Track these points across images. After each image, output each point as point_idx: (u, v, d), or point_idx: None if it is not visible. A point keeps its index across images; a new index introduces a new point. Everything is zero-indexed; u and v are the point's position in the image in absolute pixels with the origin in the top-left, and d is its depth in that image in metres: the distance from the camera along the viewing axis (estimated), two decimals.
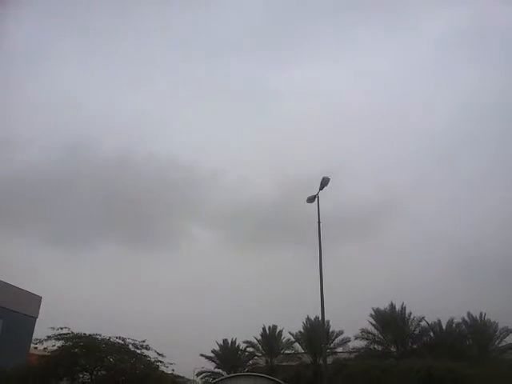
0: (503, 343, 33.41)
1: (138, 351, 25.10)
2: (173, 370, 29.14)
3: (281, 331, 40.54)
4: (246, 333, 41.27)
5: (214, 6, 79.27)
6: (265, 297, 50.15)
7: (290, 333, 39.19)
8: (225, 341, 42.73)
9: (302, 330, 38.36)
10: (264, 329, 40.78)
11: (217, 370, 42.06)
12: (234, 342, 42.60)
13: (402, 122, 75.94)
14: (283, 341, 40.38)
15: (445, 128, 70.80)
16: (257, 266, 58.40)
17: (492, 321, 33.26)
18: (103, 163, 68.03)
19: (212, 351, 42.56)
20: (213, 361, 42.44)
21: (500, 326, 33.00)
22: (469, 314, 33.78)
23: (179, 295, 55.45)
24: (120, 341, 24.83)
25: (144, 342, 25.39)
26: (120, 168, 73.04)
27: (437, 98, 78.00)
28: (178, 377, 32.68)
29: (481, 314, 33.55)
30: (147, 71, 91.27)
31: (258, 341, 40.78)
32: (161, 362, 26.37)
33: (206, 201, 74.50)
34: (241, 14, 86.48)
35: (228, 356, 41.62)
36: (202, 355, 41.84)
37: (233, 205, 69.33)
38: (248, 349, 42.00)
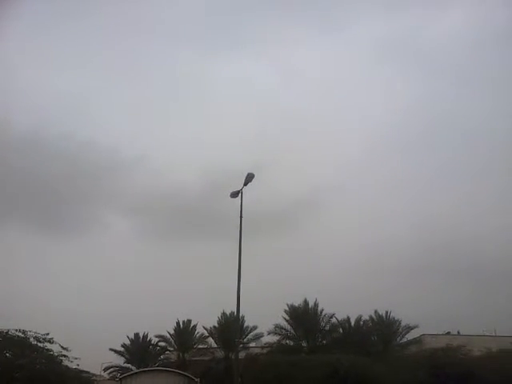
0: (404, 339, 35.88)
1: (41, 345, 23.51)
2: (77, 365, 27.76)
3: (195, 326, 40.04)
4: (160, 327, 40.30)
5: None
6: (183, 290, 49.30)
7: (204, 327, 38.96)
8: (136, 335, 41.31)
9: (216, 325, 38.26)
10: (178, 323, 40.00)
11: (126, 364, 40.60)
12: (145, 336, 41.30)
13: (332, 123, 78.60)
14: (197, 335, 39.96)
15: (372, 133, 74.31)
16: (176, 258, 57.30)
17: (396, 318, 35.50)
18: (13, 142, 62.67)
19: (122, 345, 40.99)
20: (122, 355, 40.90)
21: (403, 323, 35.36)
22: (376, 311, 35.76)
23: (89, 286, 52.76)
24: (20, 334, 23.08)
25: (47, 335, 23.81)
26: (32, 148, 67.83)
27: (367, 101, 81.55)
28: (83, 372, 31.01)
29: (386, 312, 35.65)
30: (74, 51, 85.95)
31: (170, 335, 39.96)
32: (65, 356, 24.97)
33: (126, 187, 71.70)
34: (175, 4, 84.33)
35: (139, 350, 40.30)
36: (111, 349, 40.20)
37: (154, 194, 67.32)
38: (160, 343, 41.01)
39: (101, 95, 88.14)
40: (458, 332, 39.98)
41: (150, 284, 52.29)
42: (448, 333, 40.03)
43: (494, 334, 38.81)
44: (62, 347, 24.70)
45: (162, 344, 40.95)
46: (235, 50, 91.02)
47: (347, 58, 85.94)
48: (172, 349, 40.60)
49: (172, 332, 39.95)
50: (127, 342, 41.19)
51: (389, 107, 76.64)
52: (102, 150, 75.59)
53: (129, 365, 40.40)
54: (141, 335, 41.33)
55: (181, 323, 40.05)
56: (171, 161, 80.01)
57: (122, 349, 40.95)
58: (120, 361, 40.92)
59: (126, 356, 40.83)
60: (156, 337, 40.56)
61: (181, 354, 39.24)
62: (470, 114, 72.02)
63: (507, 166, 62.67)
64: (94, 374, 36.24)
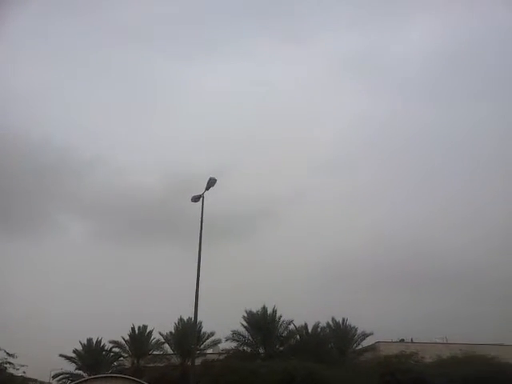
0: (360, 346, 36.44)
1: None
2: (24, 373, 26.54)
3: (151, 331, 39.20)
4: (114, 332, 39.17)
5: None
6: (139, 295, 48.18)
7: (160, 333, 38.22)
8: (89, 340, 40.00)
9: (172, 331, 37.60)
10: (133, 328, 39.04)
11: (77, 371, 39.17)
12: (99, 342, 40.03)
13: (295, 133, 79.43)
14: (152, 341, 39.13)
15: (335, 144, 75.58)
16: (132, 262, 55.95)
17: (352, 326, 36.03)
18: None
19: (74, 351, 39.57)
20: (73, 362, 39.46)
21: (359, 330, 35.92)
22: (333, 318, 36.17)
23: (40, 289, 50.69)
24: None
25: None
26: None
27: (330, 113, 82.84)
28: (30, 380, 29.64)
29: (343, 320, 36.12)
30: (30, 48, 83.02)
31: (125, 341, 38.93)
32: (10, 363, 23.82)
33: (81, 188, 69.54)
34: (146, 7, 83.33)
35: (91, 357, 39.00)
36: (61, 356, 38.69)
37: (111, 195, 65.71)
38: (114, 349, 39.91)
39: (58, 94, 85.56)
40: (412, 340, 41.02)
41: (105, 287, 50.91)
42: (402, 340, 41.01)
43: (445, 342, 40.04)
44: (7, 353, 23.60)
45: (116, 350, 39.89)
46: (200, 54, 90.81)
47: (312, 70, 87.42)
48: (126, 355, 39.57)
49: (127, 338, 38.94)
50: (79, 348, 39.83)
51: (350, 120, 78.23)
52: (57, 149, 73.16)
53: (80, 372, 39.02)
54: (94, 341, 40.07)
55: (136, 329, 39.10)
56: (131, 162, 78.44)
57: (74, 355, 39.53)
58: (71, 367, 39.51)
59: (78, 362, 39.43)
60: (110, 342, 39.44)
61: (135, 361, 38.28)
62: (434, 126, 74.45)
63: (473, 177, 64.98)
64: (42, 382, 34.77)
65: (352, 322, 36.11)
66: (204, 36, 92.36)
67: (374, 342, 38.24)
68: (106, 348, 40.17)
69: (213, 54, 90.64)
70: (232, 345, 35.93)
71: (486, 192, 63.53)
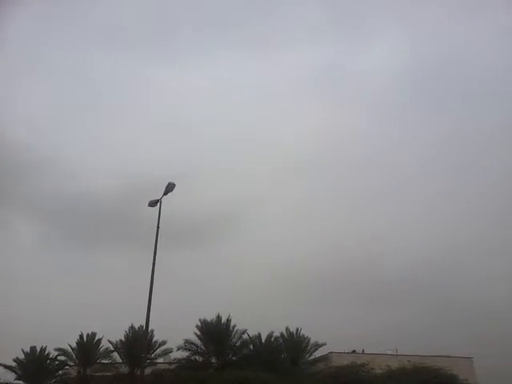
0: (313, 357, 36.60)
1: None
2: None
3: (100, 339, 37.65)
4: (62, 340, 37.39)
5: None
6: (90, 301, 46.38)
7: (109, 341, 36.82)
8: (32, 348, 38.01)
9: (123, 339, 36.40)
10: (81, 336, 37.37)
11: (17, 381, 37.14)
12: (43, 350, 38.09)
13: (255, 140, 79.68)
14: (101, 350, 37.65)
15: (295, 152, 76.34)
16: (84, 266, 53.86)
17: (306, 336, 36.13)
18: None
19: (14, 360, 37.47)
20: (13, 371, 37.34)
21: (312, 341, 36.06)
22: (287, 328, 36.12)
23: None
24: None
25: None
26: None
27: (287, 124, 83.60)
28: None
29: (297, 329, 36.15)
30: None
31: (72, 349, 37.21)
32: None
33: (32, 189, 66.54)
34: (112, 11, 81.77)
35: (34, 365, 37.00)
36: (0, 365, 36.56)
37: (65, 197, 63.24)
38: (60, 357, 38.06)
39: (8, 91, 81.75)
40: (363, 351, 41.65)
41: (53, 292, 48.75)
42: (354, 351, 41.55)
43: (395, 353, 40.94)
44: None
45: (62, 358, 38.04)
46: (164, 57, 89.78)
47: (276, 81, 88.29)
48: (73, 363, 37.85)
49: (74, 345, 37.28)
50: (21, 356, 37.77)
51: (311, 131, 79.31)
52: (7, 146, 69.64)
53: (20, 381, 37.02)
54: (38, 348, 38.14)
55: (84, 336, 37.50)
56: (86, 164, 75.75)
57: (15, 363, 37.44)
58: (11, 377, 37.38)
59: (18, 372, 37.36)
60: (56, 350, 37.59)
61: (82, 370, 36.69)
62: (394, 142, 76.32)
63: (430, 193, 67.01)
64: None
65: (306, 332, 36.23)
66: (170, 40, 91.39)
67: (326, 353, 38.56)
68: (50, 356, 38.29)
69: (177, 58, 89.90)
70: (184, 354, 35.27)
71: (442, 209, 66.00)
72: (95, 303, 46.12)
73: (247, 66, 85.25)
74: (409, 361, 33.52)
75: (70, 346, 37.12)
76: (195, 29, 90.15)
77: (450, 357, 38.91)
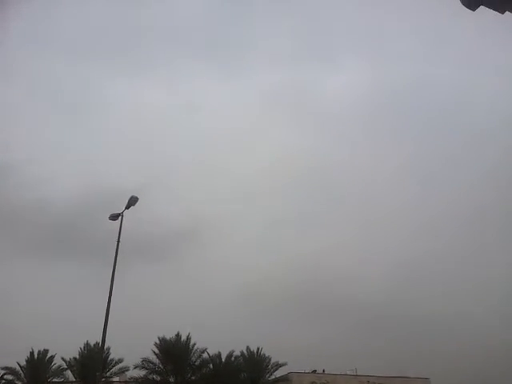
0: (273, 377, 36.16)
1: None
2: None
3: (53, 356, 35.87)
4: (10, 358, 35.25)
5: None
6: (44, 317, 44.22)
7: (62, 359, 35.17)
8: None
9: (77, 357, 34.90)
10: (32, 353, 35.47)
11: None
12: None
13: (220, 157, 79.47)
14: (53, 367, 35.85)
15: (256, 172, 76.46)
16: (39, 280, 51.50)
17: (267, 355, 35.72)
18: None
19: None
20: None
21: (273, 360, 35.68)
22: (248, 347, 35.65)
23: None
24: None
25: None
26: None
27: (252, 143, 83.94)
28: None
29: (257, 349, 35.72)
30: None
31: (21, 367, 35.19)
32: None
33: None
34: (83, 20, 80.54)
35: None
36: None
37: (20, 207, 60.58)
38: (7, 376, 35.84)
39: None
40: (323, 370, 41.46)
41: (3, 306, 46.20)
42: (314, 371, 41.31)
43: (354, 374, 40.97)
44: None
45: (9, 378, 35.85)
46: (132, 71, 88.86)
47: (242, 100, 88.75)
48: (20, 383, 35.77)
49: (23, 363, 35.30)
50: None
51: (275, 151, 79.93)
52: None
53: None
54: None
55: (35, 353, 35.62)
56: (46, 174, 73.07)
57: None
58: None
59: None
60: (2, 369, 35.35)
61: None
62: (354, 163, 77.55)
63: (386, 214, 68.10)
64: None
65: (266, 351, 35.85)
66: (140, 54, 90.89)
67: (286, 373, 38.14)
68: None
69: (145, 73, 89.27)
70: (141, 373, 34.19)
71: (396, 229, 67.17)
72: (49, 318, 44.12)
73: (214, 85, 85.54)
74: (368, 381, 33.61)
75: (18, 363, 35.18)
76: (166, 47, 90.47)
77: (407, 378, 39.33)
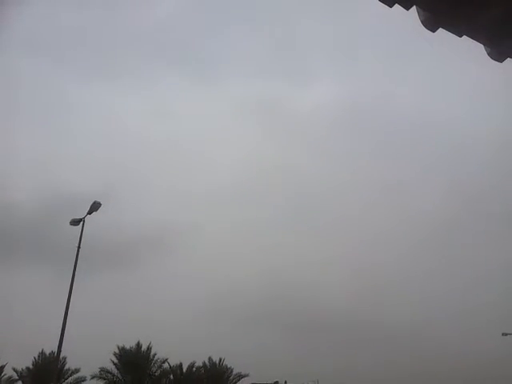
0: None
1: None
2: None
3: (3, 366, 34.24)
4: None
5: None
6: None
7: (13, 369, 33.66)
8: None
9: (30, 366, 33.57)
10: None
11: None
12: None
13: (191, 164, 79.08)
14: (3, 378, 34.28)
15: (229, 179, 76.43)
16: None
17: (229, 366, 35.42)
18: None
19: None
20: None
21: (235, 371, 35.39)
22: (210, 358, 35.25)
23: None
24: None
25: None
26: None
27: (221, 149, 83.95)
28: None
29: (220, 359, 35.38)
30: None
31: None
32: None
33: None
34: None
35: None
36: None
37: None
38: None
39: None
40: (285, 382, 41.43)
41: None
42: (276, 382, 41.19)
43: None
44: None
45: None
46: (101, 77, 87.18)
47: (215, 109, 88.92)
48: None
49: None
50: None
51: (247, 158, 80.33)
52: None
53: None
54: None
55: None
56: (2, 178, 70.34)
57: None
58: None
59: None
60: None
61: None
62: (323, 173, 78.63)
63: (359, 223, 69.14)
64: None
65: (228, 362, 35.51)
66: (110, 60, 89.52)
67: None
68: None
69: (117, 80, 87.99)
70: (99, 383, 33.17)
71: (369, 244, 68.42)
72: (1, 325, 42.30)
73: (190, 94, 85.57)
74: None
75: None
76: (143, 57, 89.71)
77: None
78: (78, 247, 18.67)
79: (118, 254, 59.18)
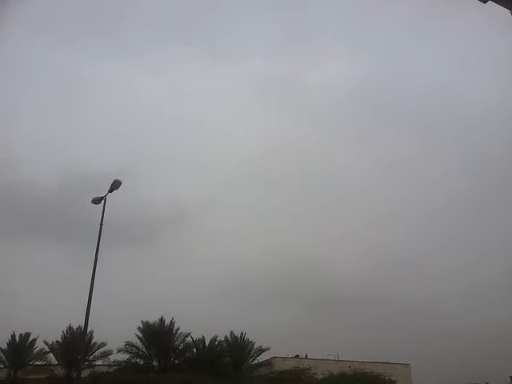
0: (256, 361, 36.51)
1: None
2: None
3: (35, 340, 35.73)
4: None
5: None
6: (25, 299, 43.95)
7: (44, 342, 35.02)
8: None
9: (59, 340, 34.81)
10: (13, 336, 35.25)
11: None
12: None
13: (209, 143, 79.10)
14: (35, 351, 35.74)
15: (249, 156, 76.36)
16: (20, 263, 50.91)
17: (250, 340, 35.94)
18: None
19: None
20: None
21: (256, 345, 35.92)
22: (231, 332, 35.80)
23: None
24: None
25: None
26: None
27: (240, 128, 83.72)
28: None
29: (241, 334, 35.90)
30: None
31: (2, 350, 35.01)
32: None
33: None
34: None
35: None
36: None
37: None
38: None
39: None
40: (306, 356, 42.01)
41: None
42: (297, 356, 41.83)
43: (336, 359, 41.61)
44: None
45: None
46: (116, 55, 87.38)
47: (231, 87, 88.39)
48: (2, 366, 35.63)
49: (5, 346, 35.14)
50: None
51: (262, 138, 79.87)
52: None
53: None
54: None
55: (17, 336, 35.46)
56: (22, 157, 71.62)
57: None
58: None
59: None
60: None
61: (12, 372, 34.65)
62: (338, 156, 77.68)
63: (377, 207, 68.64)
64: None
65: (250, 336, 36.01)
66: (124, 38, 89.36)
67: (269, 357, 38.56)
68: None
69: (131, 57, 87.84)
70: (124, 357, 34.23)
71: (389, 219, 67.88)
72: (30, 301, 43.89)
73: (206, 72, 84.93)
74: (349, 366, 34.28)
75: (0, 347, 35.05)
76: (154, 32, 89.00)
77: (388, 363, 40.06)
78: (101, 224, 19.16)
79: (137, 231, 60.25)
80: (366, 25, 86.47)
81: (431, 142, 72.61)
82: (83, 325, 19.65)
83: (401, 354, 41.15)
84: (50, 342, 34.94)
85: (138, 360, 34.34)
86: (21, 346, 35.20)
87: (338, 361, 40.82)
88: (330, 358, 41.81)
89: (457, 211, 61.95)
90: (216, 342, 35.37)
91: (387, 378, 33.53)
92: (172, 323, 34.84)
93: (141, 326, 34.38)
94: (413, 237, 60.57)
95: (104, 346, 35.16)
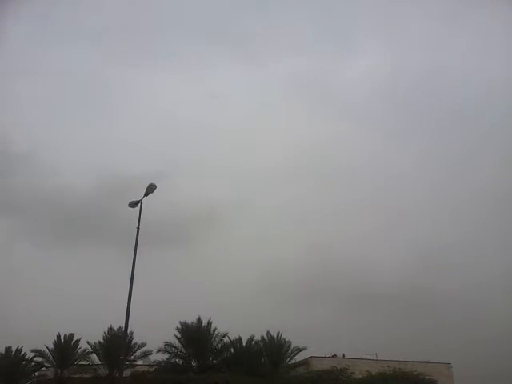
0: (293, 361, 36.46)
1: None
2: None
3: (78, 340, 36.99)
4: (38, 341, 36.56)
5: None
6: (68, 302, 45.62)
7: (87, 342, 36.23)
8: (8, 349, 37.20)
9: (101, 341, 35.89)
10: (59, 336, 36.65)
11: None
12: (19, 351, 37.31)
13: (241, 142, 79.98)
14: (79, 351, 36.99)
15: (278, 158, 76.61)
16: (60, 267, 52.79)
17: (287, 340, 35.93)
18: None
19: None
20: None
21: (292, 345, 35.87)
22: (268, 332, 35.90)
23: None
24: None
25: None
26: None
27: (273, 130, 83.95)
28: None
29: (278, 333, 35.94)
30: None
31: (49, 350, 36.48)
32: None
33: (9, 184, 64.70)
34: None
35: (8, 367, 36.04)
36: None
37: (42, 193, 61.87)
38: (36, 358, 37.26)
39: None
40: (344, 355, 41.67)
41: (30, 291, 47.77)
42: (334, 356, 41.54)
43: (375, 358, 41.05)
44: None
45: (39, 359, 37.28)
46: (148, 60, 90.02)
47: (262, 89, 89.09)
48: (49, 365, 37.12)
49: (51, 346, 36.57)
50: None
51: (296, 136, 79.88)
52: None
53: None
54: (13, 350, 37.35)
55: (62, 337, 36.83)
56: (64, 161, 74.41)
57: None
58: None
59: None
60: (32, 351, 36.76)
61: (59, 371, 36.03)
62: (376, 153, 76.75)
63: (412, 202, 67.54)
64: None
65: (286, 335, 36.03)
66: (156, 43, 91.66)
67: (306, 357, 38.46)
68: (26, 357, 37.51)
69: (163, 61, 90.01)
70: (164, 357, 34.92)
71: (425, 214, 66.58)
72: (73, 303, 45.46)
73: (238, 74, 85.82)
74: (388, 366, 33.64)
75: (46, 347, 36.46)
76: (191, 39, 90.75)
77: (428, 362, 39.24)
78: (138, 228, 19.61)
79: (172, 233, 61.43)
80: (402, 17, 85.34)
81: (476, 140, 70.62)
82: (124, 326, 20.08)
83: (441, 353, 40.32)
84: (93, 343, 36.18)
85: (177, 360, 34.94)
86: (65, 347, 36.55)
87: (377, 360, 40.25)
88: (368, 357, 41.31)
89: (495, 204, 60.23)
90: (253, 342, 35.55)
91: (428, 377, 32.70)
92: (209, 323, 35.31)
93: (179, 326, 35.03)
94: (448, 229, 59.27)
95: (144, 346, 36.08)
